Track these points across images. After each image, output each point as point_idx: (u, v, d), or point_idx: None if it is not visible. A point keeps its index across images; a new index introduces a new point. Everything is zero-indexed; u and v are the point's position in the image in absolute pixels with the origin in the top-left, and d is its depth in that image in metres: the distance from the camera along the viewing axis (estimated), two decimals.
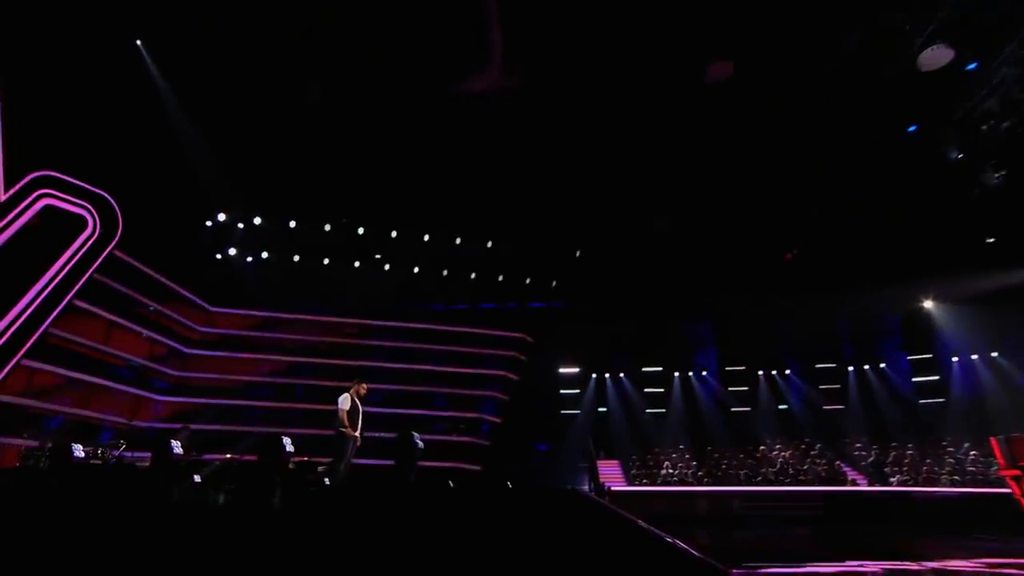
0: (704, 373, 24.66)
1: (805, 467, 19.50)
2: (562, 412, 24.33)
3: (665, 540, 4.22)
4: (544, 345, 24.16)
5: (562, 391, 24.90)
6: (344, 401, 7.70)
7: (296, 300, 21.89)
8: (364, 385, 7.87)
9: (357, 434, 7.61)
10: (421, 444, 7.63)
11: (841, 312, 23.00)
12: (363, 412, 7.89)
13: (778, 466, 19.66)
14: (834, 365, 24.14)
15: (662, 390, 24.64)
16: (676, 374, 24.65)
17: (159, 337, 19.47)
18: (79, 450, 9.47)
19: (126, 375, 18.32)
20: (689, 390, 24.34)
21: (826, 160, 17.17)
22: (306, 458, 12.25)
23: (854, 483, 18.30)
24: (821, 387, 24.01)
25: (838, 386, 23.45)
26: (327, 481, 7.69)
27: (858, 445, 20.68)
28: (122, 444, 11.04)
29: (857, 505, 15.82)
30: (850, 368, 23.55)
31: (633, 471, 20.69)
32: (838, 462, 19.77)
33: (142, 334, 18.75)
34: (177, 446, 9.31)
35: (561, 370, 25.15)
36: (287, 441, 7.57)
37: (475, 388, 22.94)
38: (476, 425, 22.67)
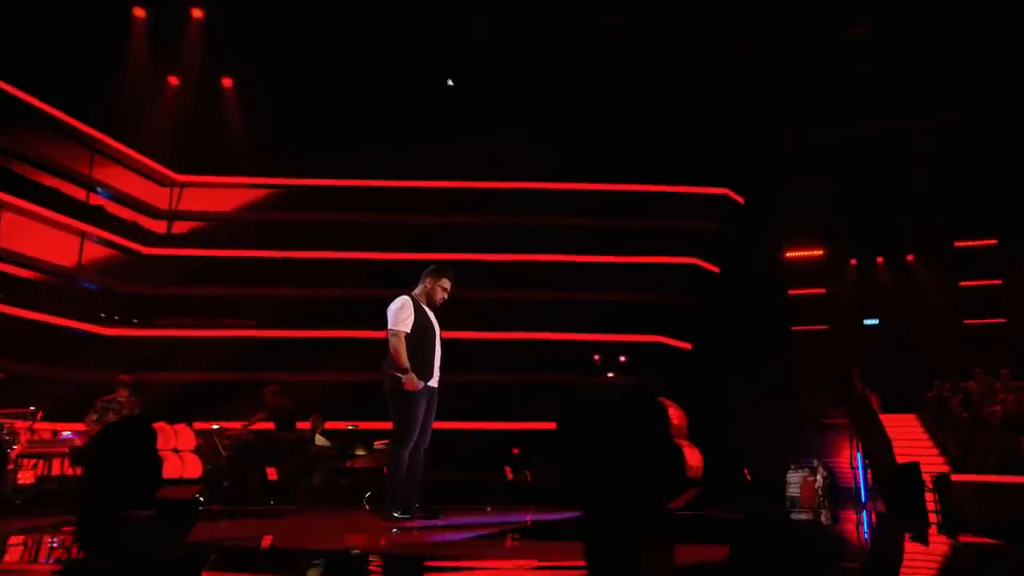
0: None
1: None
2: (793, 329, 22.57)
3: None
4: (760, 209, 22.25)
5: (793, 292, 22.96)
6: (400, 316, 6.20)
7: (320, 155, 20.79)
8: (444, 284, 6.48)
9: (433, 383, 6.32)
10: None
11: None
12: (441, 338, 6.57)
13: None
14: None
15: (996, 283, 22.10)
16: None
17: (93, 229, 18.52)
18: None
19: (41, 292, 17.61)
20: None
21: None
22: (351, 426, 12.81)
23: None
24: None
25: None
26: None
27: None
28: (32, 411, 10.39)
29: None
30: None
31: (950, 434, 17.26)
32: None
33: (63, 224, 17.80)
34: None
35: (791, 253, 23.23)
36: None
37: (643, 289, 21.11)
38: (648, 355, 20.97)
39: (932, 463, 16.02)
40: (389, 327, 6.23)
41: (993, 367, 18.53)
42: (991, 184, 21.15)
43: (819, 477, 16.45)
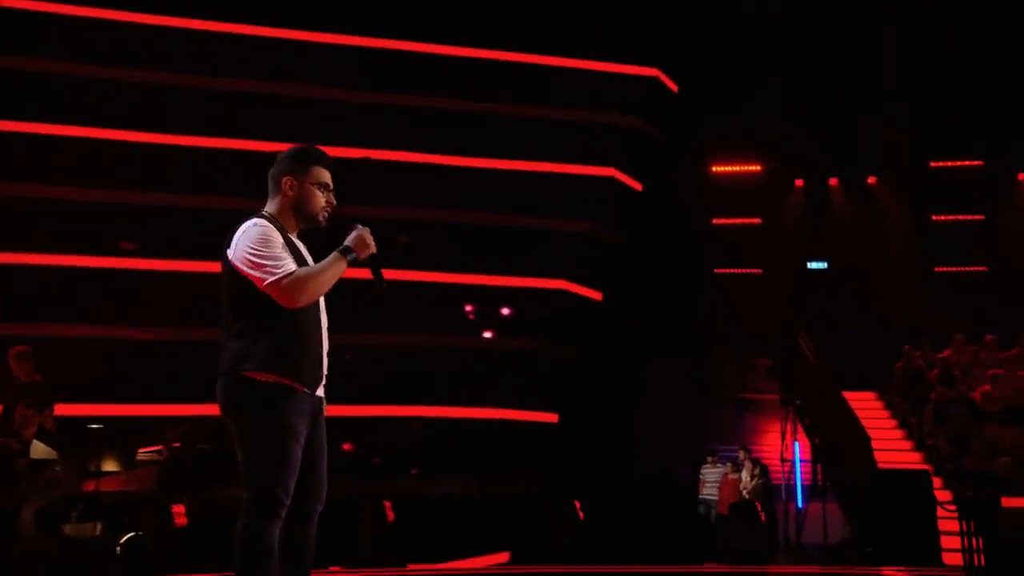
0: None
1: None
2: (717, 272, 23.53)
3: None
4: (696, 103, 21.78)
5: (719, 221, 23.56)
6: (268, 246, 4.60)
7: None
8: (320, 176, 4.78)
9: (320, 391, 4.91)
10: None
11: None
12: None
13: None
14: None
15: (979, 217, 22.85)
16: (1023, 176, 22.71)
17: None
18: None
19: None
20: None
21: None
22: (95, 424, 12.38)
23: None
24: None
25: None
26: None
27: None
28: None
29: None
30: None
31: (932, 424, 17.38)
32: None
33: None
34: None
35: (718, 168, 23.47)
36: None
37: (540, 211, 20.17)
38: (544, 307, 20.29)
39: (907, 463, 16.00)
40: (267, 278, 4.33)
41: (974, 330, 18.76)
42: (982, 85, 21.33)
43: (745, 474, 16.07)
